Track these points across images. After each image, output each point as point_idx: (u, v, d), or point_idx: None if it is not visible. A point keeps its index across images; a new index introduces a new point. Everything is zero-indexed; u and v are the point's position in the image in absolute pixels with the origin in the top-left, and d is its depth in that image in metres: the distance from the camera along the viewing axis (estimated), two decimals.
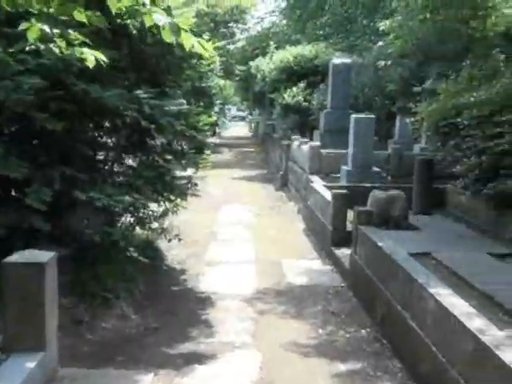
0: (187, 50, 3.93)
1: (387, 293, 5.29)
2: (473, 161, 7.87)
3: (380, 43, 14.35)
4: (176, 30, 3.61)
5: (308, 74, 16.90)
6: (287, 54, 17.47)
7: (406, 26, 10.81)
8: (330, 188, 9.46)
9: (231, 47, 32.55)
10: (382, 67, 13.96)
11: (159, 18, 3.63)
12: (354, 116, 10.57)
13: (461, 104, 8.33)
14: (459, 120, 8.19)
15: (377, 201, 8.15)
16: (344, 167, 10.71)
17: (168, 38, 3.76)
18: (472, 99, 7.92)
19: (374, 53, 14.24)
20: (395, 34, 11.01)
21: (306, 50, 17.37)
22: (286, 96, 16.45)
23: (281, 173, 15.22)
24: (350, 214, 8.43)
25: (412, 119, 11.39)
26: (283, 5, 29.90)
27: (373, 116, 10.58)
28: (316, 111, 15.07)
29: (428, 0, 11.44)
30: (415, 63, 13.40)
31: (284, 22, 30.73)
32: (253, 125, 49.56)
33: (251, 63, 22.30)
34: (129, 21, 6.52)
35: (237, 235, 9.45)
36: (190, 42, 3.77)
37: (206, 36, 20.52)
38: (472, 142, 7.95)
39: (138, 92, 6.08)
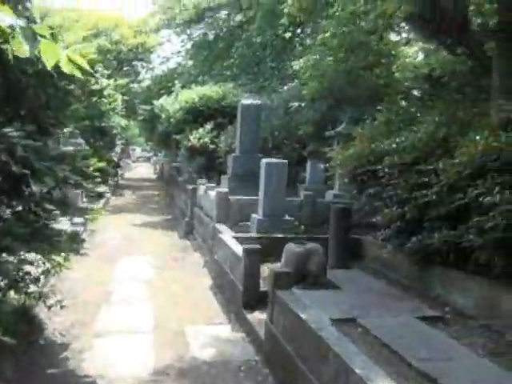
0: (51, 65, 2.87)
1: (312, 376, 4.38)
2: (394, 211, 7.25)
3: (290, 85, 13.87)
4: (30, 36, 2.59)
5: (215, 115, 16.15)
6: (193, 94, 16.67)
7: (321, 65, 10.27)
8: (239, 239, 8.55)
9: (135, 86, 31.53)
10: (292, 110, 13.45)
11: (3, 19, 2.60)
12: (264, 160, 9.80)
13: (380, 150, 7.76)
14: (379, 167, 7.59)
15: (293, 255, 7.33)
16: (254, 215, 9.88)
17: (48, 59, 2.75)
18: (394, 145, 7.35)
19: (284, 94, 13.70)
20: (309, 73, 10.44)
21: (212, 90, 16.66)
22: (191, 138, 15.57)
23: (186, 219, 14.18)
24: (264, 269, 7.59)
25: (326, 164, 10.81)
26: (189, 45, 29.41)
27: (285, 161, 9.86)
28: (223, 154, 14.25)
29: (343, 39, 11.02)
30: (326, 106, 12.97)
31: (190, 62, 30.20)
32: (158, 166, 48.29)
33: (155, 102, 21.33)
34: (5, 46, 5.43)
35: (135, 295, 8.27)
36: (53, 53, 2.74)
37: (105, 71, 19.39)
38: (393, 192, 7.35)
39: (7, 130, 4.94)
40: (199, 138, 15.47)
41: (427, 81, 7.56)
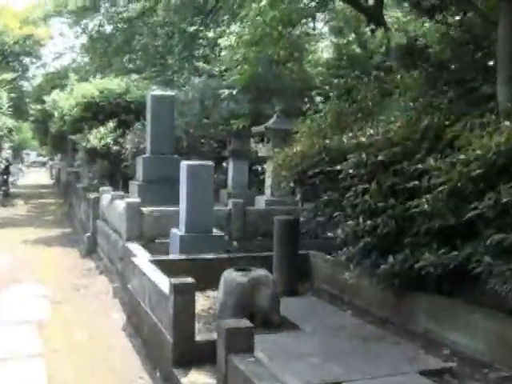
0: None
1: None
2: (362, 224, 5.65)
3: (202, 78, 12.08)
4: None
5: (118, 111, 14.03)
6: (91, 88, 14.44)
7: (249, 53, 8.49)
8: (159, 264, 6.65)
9: (25, 84, 28.42)
10: (209, 104, 11.66)
11: None
12: (185, 163, 7.95)
13: (338, 147, 6.14)
14: (338, 168, 5.96)
15: (234, 287, 5.57)
16: (175, 231, 8.01)
17: None
18: (358, 140, 5.74)
19: (199, 86, 11.88)
20: (242, 52, 8.62)
21: (113, 83, 14.49)
22: (91, 138, 13.36)
23: (88, 234, 12.01)
24: (199, 304, 5.81)
25: (258, 166, 9.15)
26: (84, 39, 26.72)
27: (210, 162, 8.05)
28: (130, 156, 12.21)
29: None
30: (250, 98, 11.29)
31: (86, 58, 27.55)
32: (54, 171, 44.74)
33: (46, 98, 18.77)
34: None
35: (19, 348, 6.16)
36: None
37: None
38: (359, 199, 5.74)
39: None
40: (100, 139, 13.29)
41: (404, 54, 6.06)
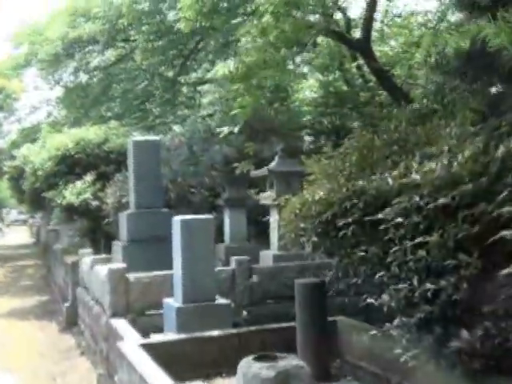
0: None
1: None
2: (419, 288, 4.29)
3: (192, 117, 10.82)
4: None
5: (96, 163, 12.68)
6: (65, 139, 13.11)
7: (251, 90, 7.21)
8: (152, 349, 5.21)
9: None
10: (197, 148, 10.37)
11: None
12: (179, 218, 6.58)
13: (376, 189, 4.83)
14: (380, 215, 4.63)
15: None
16: (170, 302, 6.57)
17: None
18: (402, 180, 4.42)
19: (185, 128, 10.61)
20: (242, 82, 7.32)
21: (90, 132, 13.18)
22: (67, 194, 11.95)
23: (66, 304, 10.49)
24: None
25: (274, 217, 7.83)
26: (59, 91, 25.48)
27: (210, 217, 6.69)
28: (113, 212, 10.81)
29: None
30: (243, 140, 10.02)
31: (62, 111, 26.31)
32: (34, 230, 42.93)
33: (16, 153, 17.42)
34: None
35: None
36: None
37: None
38: (411, 255, 4.40)
39: None
40: (78, 194, 11.89)
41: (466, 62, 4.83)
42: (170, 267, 6.90)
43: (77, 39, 17.57)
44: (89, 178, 12.17)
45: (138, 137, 9.26)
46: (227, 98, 10.01)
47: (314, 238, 5.54)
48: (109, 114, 17.33)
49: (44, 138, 15.03)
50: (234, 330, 5.92)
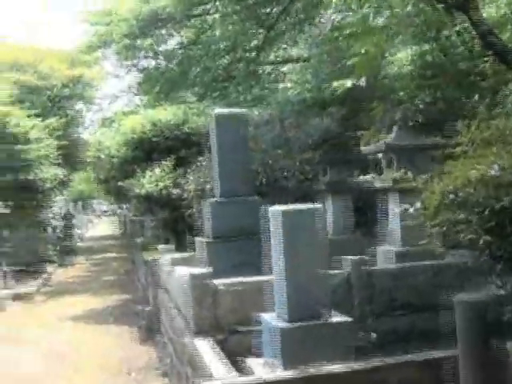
0: None
1: None
2: None
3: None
4: None
5: (176, 146, 11.30)
6: (141, 121, 11.81)
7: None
8: None
9: (80, 133, 26.41)
10: (293, 123, 8.72)
11: None
12: (279, 209, 4.95)
13: None
14: None
15: None
16: (269, 319, 4.98)
17: None
18: None
19: (279, 100, 8.97)
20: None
21: (168, 113, 11.81)
22: (145, 183, 10.63)
23: (148, 308, 9.20)
24: None
25: (394, 204, 6.08)
26: (137, 77, 24.51)
27: (319, 207, 5.00)
28: (195, 200, 9.39)
29: None
30: (346, 112, 8.26)
31: (142, 98, 25.39)
32: (122, 219, 42.89)
33: (90, 138, 16.46)
34: None
35: None
36: None
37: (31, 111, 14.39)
38: None
39: None
40: (156, 182, 10.54)
41: None
42: (265, 269, 5.35)
43: (151, 16, 16.32)
44: (168, 163, 10.80)
45: (222, 109, 7.71)
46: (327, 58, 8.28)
47: (486, 237, 3.75)
48: (188, 94, 15.96)
49: (119, 121, 13.86)
50: (363, 364, 4.24)
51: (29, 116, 17.36)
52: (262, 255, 5.96)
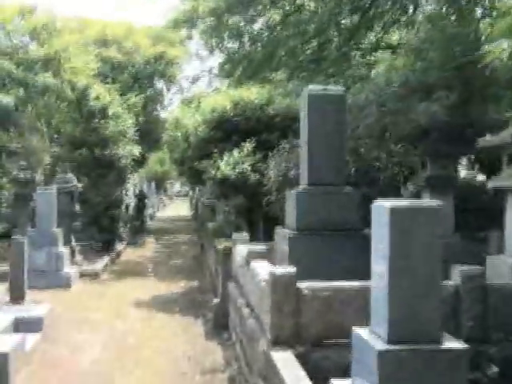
0: None
1: None
2: None
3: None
4: None
5: (258, 128, 10.51)
6: (223, 100, 11.08)
7: None
8: None
9: (159, 112, 26.09)
10: (392, 107, 7.69)
11: None
12: (387, 205, 4.02)
13: None
14: None
15: None
16: (364, 336, 4.07)
17: None
18: None
19: (377, 82, 7.97)
20: None
21: (252, 93, 11.02)
22: (222, 165, 9.90)
23: (216, 300, 8.48)
24: None
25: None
26: (220, 58, 23.86)
27: (438, 203, 4.03)
28: (275, 188, 8.57)
29: None
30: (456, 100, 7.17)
31: (225, 81, 24.76)
32: (193, 202, 42.79)
33: (168, 117, 15.94)
34: None
35: None
36: None
37: (112, 86, 13.87)
38: None
39: None
40: (234, 165, 9.80)
41: None
42: (359, 273, 4.47)
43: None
44: (248, 146, 10.03)
45: (316, 87, 6.80)
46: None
47: None
48: (273, 75, 15.13)
49: (198, 99, 13.22)
50: None
51: (109, 91, 17.08)
52: (356, 255, 5.09)
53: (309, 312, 4.73)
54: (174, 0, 18.84)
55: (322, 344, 4.67)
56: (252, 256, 6.27)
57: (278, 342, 4.66)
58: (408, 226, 3.95)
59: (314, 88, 6.64)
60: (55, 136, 16.16)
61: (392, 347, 3.85)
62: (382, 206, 4.10)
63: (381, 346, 3.89)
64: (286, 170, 8.46)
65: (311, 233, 5.98)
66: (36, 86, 14.64)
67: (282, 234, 6.45)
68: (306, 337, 4.69)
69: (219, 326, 7.93)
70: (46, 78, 14.50)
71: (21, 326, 7.31)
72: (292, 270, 4.80)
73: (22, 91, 14.63)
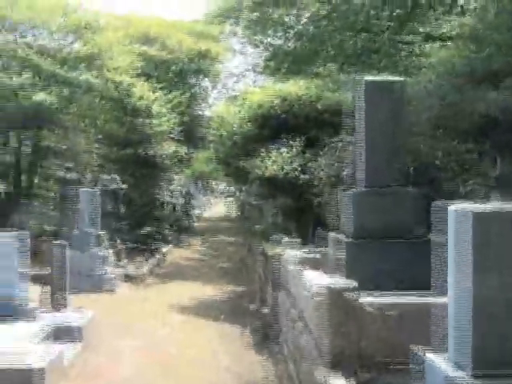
0: None
1: None
2: None
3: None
4: None
5: (307, 125, 9.93)
6: (269, 94, 10.53)
7: None
8: None
9: (203, 110, 25.76)
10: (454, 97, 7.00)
11: None
12: (465, 209, 3.40)
13: None
14: None
15: None
16: (438, 363, 3.45)
17: None
18: None
19: (439, 71, 7.29)
20: None
21: (300, 87, 10.44)
22: (268, 164, 9.36)
23: (265, 309, 7.96)
24: None
25: None
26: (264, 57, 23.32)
27: None
28: (327, 189, 7.98)
29: None
30: None
31: (268, 78, 24.23)
32: (239, 202, 42.41)
33: (213, 115, 15.53)
34: None
35: None
36: None
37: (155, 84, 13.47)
38: None
39: None
40: (282, 165, 9.25)
41: None
42: (426, 285, 3.88)
43: None
44: (297, 143, 9.46)
45: (373, 77, 6.20)
46: None
47: None
48: (320, 70, 14.51)
49: (243, 95, 12.72)
50: None
51: (153, 90, 16.80)
52: (421, 264, 4.49)
53: (372, 331, 4.15)
54: None
55: (388, 369, 4.08)
56: (305, 264, 5.72)
57: (337, 365, 4.10)
58: (497, 233, 3.33)
59: (372, 78, 6.05)
60: (99, 136, 15.95)
61: (477, 382, 3.24)
62: (462, 211, 3.48)
63: (463, 378, 3.28)
64: (338, 170, 7.85)
65: (371, 240, 5.37)
66: (79, 86, 14.43)
67: (337, 241, 5.86)
68: (369, 360, 4.11)
69: (269, 338, 7.39)
70: (89, 77, 14.28)
71: (61, 334, 6.98)
72: (353, 283, 4.22)
73: (65, 91, 14.43)
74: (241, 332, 8.06)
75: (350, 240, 5.49)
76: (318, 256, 5.96)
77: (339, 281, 4.34)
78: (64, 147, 15.57)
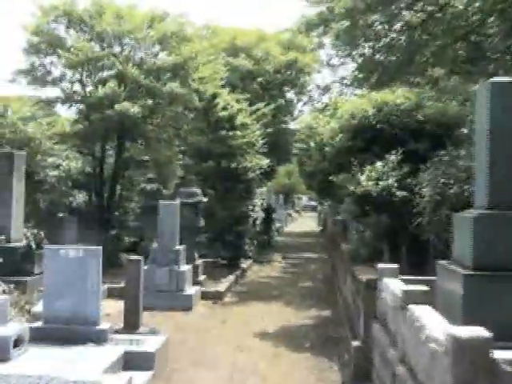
0: None
1: None
2: None
3: None
4: None
5: (404, 137, 8.98)
6: (363, 104, 9.65)
7: None
8: None
9: (288, 123, 25.08)
10: None
11: None
12: None
13: None
14: None
15: None
16: None
17: None
18: None
19: None
20: None
21: (397, 96, 9.50)
22: (362, 179, 8.48)
23: (356, 343, 7.05)
24: None
25: None
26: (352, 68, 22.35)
27: None
28: (430, 209, 7.01)
29: None
30: None
31: (356, 91, 23.24)
32: (322, 217, 41.35)
33: (299, 126, 14.73)
34: None
35: None
36: None
37: (241, 96, 12.94)
38: None
39: None
40: (377, 180, 8.35)
41: None
42: None
43: None
44: (393, 157, 8.54)
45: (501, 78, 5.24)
46: None
47: None
48: (417, 80, 13.48)
49: (334, 104, 11.90)
50: None
51: (237, 101, 16.30)
52: None
53: None
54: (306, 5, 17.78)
55: None
56: (412, 298, 4.80)
57: None
58: None
59: (500, 79, 5.09)
60: (182, 148, 15.58)
61: None
62: None
63: None
64: (443, 188, 6.87)
65: (496, 273, 4.41)
66: (163, 96, 14.11)
67: (451, 271, 4.90)
68: None
69: (361, 376, 6.50)
70: (173, 87, 13.94)
71: (131, 361, 6.39)
72: (485, 333, 3.29)
73: (149, 101, 14.15)
74: (328, 365, 7.20)
75: (468, 272, 4.53)
76: (424, 288, 5.02)
77: (467, 330, 3.41)
78: (146, 158, 15.31)
